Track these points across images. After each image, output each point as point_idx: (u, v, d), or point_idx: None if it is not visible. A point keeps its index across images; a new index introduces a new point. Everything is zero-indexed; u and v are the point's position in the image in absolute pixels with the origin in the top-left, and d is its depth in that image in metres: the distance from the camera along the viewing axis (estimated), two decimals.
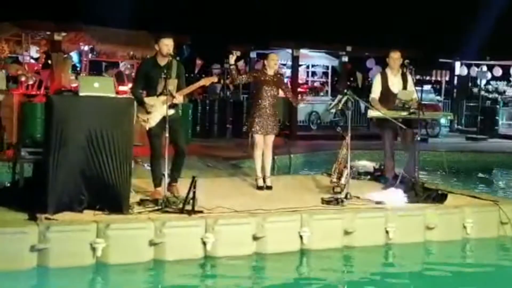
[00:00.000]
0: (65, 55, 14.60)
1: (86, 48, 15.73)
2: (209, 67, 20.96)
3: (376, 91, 9.17)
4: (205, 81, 7.91)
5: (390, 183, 8.83)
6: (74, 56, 16.88)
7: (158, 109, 7.48)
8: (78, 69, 17.22)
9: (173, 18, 23.52)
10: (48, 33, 14.14)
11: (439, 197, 8.25)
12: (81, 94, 6.95)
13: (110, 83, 7.27)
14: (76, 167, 6.77)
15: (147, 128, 7.63)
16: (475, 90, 24.95)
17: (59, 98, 7.02)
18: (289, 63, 20.24)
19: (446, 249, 7.79)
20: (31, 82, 13.96)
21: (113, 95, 7.15)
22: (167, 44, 7.59)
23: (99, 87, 6.98)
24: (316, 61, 22.44)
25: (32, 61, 15.49)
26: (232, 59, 8.84)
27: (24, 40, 14.45)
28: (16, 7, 16.08)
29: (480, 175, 14.51)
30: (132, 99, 7.27)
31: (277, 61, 9.02)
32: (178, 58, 7.77)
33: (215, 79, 8.11)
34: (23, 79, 13.79)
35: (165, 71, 7.47)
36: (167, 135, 7.31)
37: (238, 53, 18.73)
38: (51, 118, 6.73)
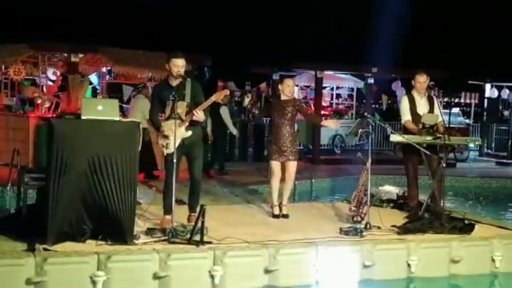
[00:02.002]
0: (82, 78, 14.39)
1: (104, 70, 15.55)
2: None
3: (406, 114, 8.82)
4: (216, 96, 7.47)
5: (414, 212, 8.35)
6: (94, 78, 16.69)
7: (176, 133, 7.11)
8: (98, 91, 17.03)
9: (193, 40, 23.34)
10: (64, 54, 13.94)
11: (465, 228, 7.82)
12: (83, 117, 6.62)
13: (114, 106, 6.91)
14: (78, 194, 6.46)
15: (165, 154, 7.28)
16: (506, 113, 24.28)
17: (59, 122, 6.65)
18: (313, 85, 19.86)
19: (473, 284, 7.34)
20: (47, 105, 13.79)
21: (117, 118, 6.79)
22: (177, 65, 7.25)
23: (102, 110, 6.66)
24: (341, 83, 22.03)
25: (50, 83, 15.32)
26: (247, 101, 8.46)
27: (41, 62, 14.28)
28: (32, 29, 16.01)
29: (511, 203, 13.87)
30: (138, 123, 6.91)
31: (292, 87, 8.57)
32: (188, 79, 7.38)
33: (226, 92, 7.70)
34: (39, 101, 13.62)
35: (173, 93, 7.13)
36: (174, 160, 6.98)
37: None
38: (51, 142, 6.43)
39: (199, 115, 7.19)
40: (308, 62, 18.99)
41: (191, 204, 7.63)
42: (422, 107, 8.77)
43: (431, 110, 8.71)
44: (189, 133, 7.27)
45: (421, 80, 8.77)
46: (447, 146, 8.21)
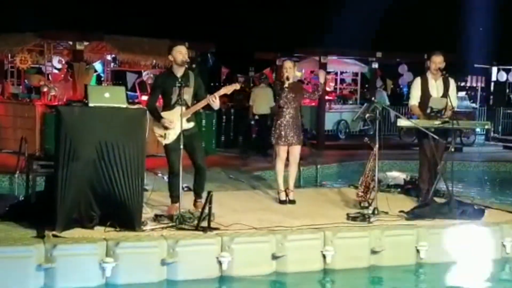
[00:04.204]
0: (87, 65, 14.40)
1: (109, 57, 15.56)
2: (235, 75, 20.53)
3: (415, 97, 8.58)
4: (226, 89, 7.44)
5: (423, 197, 8.30)
6: (99, 66, 16.69)
7: (177, 125, 7.10)
8: (103, 79, 17.03)
9: (197, 26, 23.22)
10: (70, 43, 13.95)
11: (475, 213, 7.71)
12: (90, 105, 6.60)
13: (121, 93, 6.88)
14: (86, 181, 6.47)
15: (163, 144, 7.27)
16: None
17: (67, 109, 6.64)
18: (317, 70, 19.75)
19: (483, 269, 7.19)
20: (53, 93, 13.83)
21: (125, 105, 6.77)
22: (181, 52, 7.24)
23: (109, 97, 6.64)
24: (345, 67, 21.92)
25: (55, 71, 15.35)
26: None
27: (47, 50, 14.32)
28: (38, 18, 16.06)
29: None
30: (145, 110, 6.89)
31: (290, 68, 8.35)
32: (194, 66, 7.37)
33: (237, 86, 7.66)
34: (45, 89, 13.66)
35: (179, 79, 7.11)
36: (181, 146, 6.95)
37: None
38: (59, 130, 6.42)
39: (216, 100, 7.17)
40: (312, 47, 18.88)
41: (197, 191, 7.60)
42: (435, 89, 8.49)
43: (445, 94, 8.42)
44: (191, 124, 7.24)
45: (437, 61, 8.45)
46: (455, 130, 8.14)
